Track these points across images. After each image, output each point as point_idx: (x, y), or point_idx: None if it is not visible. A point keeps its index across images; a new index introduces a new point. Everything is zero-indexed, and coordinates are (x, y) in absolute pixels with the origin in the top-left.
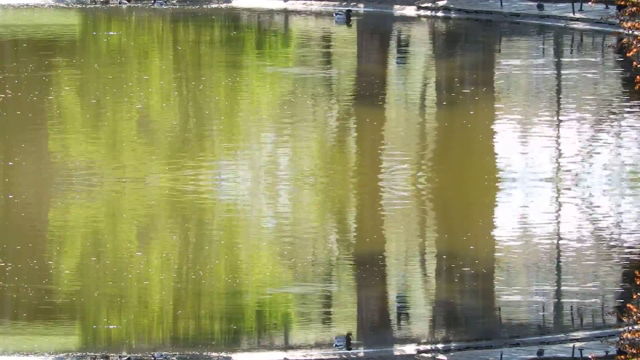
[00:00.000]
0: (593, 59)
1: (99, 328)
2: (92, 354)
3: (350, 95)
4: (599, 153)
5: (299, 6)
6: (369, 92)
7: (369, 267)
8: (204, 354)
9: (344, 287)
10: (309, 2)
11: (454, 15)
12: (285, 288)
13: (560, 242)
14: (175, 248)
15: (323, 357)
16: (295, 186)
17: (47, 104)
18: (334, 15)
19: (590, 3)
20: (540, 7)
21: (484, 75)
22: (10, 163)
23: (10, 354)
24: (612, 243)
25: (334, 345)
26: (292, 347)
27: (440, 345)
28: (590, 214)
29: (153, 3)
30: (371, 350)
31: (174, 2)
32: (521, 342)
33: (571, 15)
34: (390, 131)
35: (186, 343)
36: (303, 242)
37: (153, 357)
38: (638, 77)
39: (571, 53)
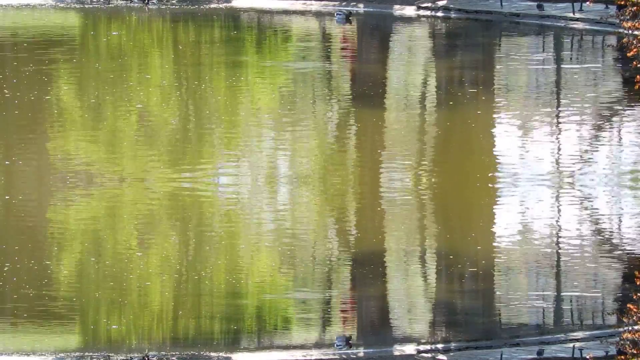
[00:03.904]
0: (593, 59)
1: (99, 328)
2: (91, 354)
3: (350, 95)
4: (599, 153)
5: (299, 6)
6: (369, 91)
7: (370, 267)
8: (204, 354)
9: (344, 287)
10: (309, 2)
11: (454, 15)
12: (286, 288)
13: (561, 242)
14: (175, 248)
15: (323, 357)
16: (295, 186)
17: (47, 104)
18: (335, 15)
19: (588, 3)
20: (540, 7)
21: (484, 75)
22: (7, 162)
23: (11, 354)
24: (612, 243)
25: (335, 345)
26: (292, 347)
27: (440, 345)
28: (591, 214)
29: (147, 3)
30: (371, 350)
31: (174, 1)
32: (521, 342)
33: (571, 15)
34: (390, 131)
35: (186, 343)
36: (303, 242)
37: (147, 357)
38: (638, 77)
39: (571, 53)
